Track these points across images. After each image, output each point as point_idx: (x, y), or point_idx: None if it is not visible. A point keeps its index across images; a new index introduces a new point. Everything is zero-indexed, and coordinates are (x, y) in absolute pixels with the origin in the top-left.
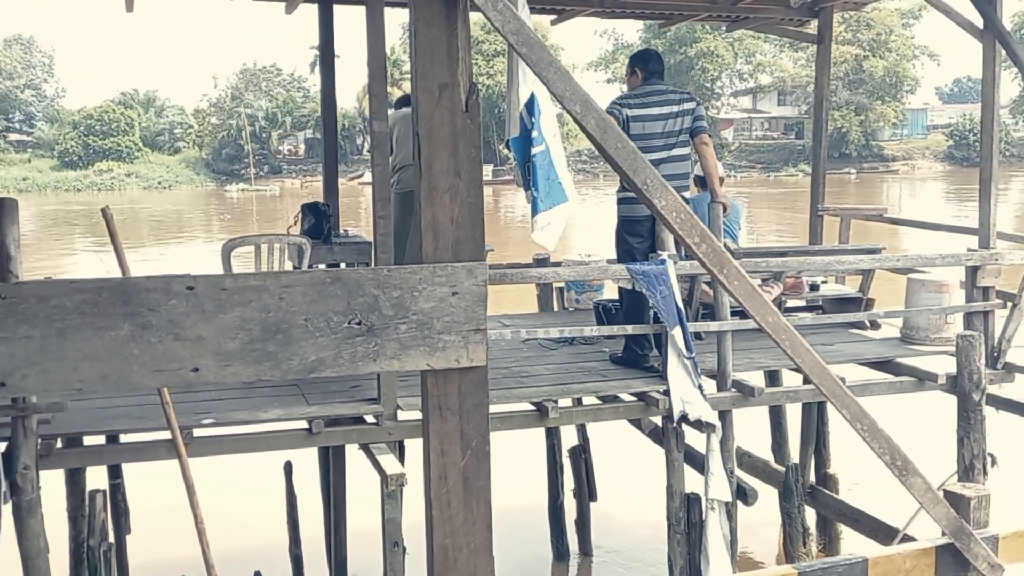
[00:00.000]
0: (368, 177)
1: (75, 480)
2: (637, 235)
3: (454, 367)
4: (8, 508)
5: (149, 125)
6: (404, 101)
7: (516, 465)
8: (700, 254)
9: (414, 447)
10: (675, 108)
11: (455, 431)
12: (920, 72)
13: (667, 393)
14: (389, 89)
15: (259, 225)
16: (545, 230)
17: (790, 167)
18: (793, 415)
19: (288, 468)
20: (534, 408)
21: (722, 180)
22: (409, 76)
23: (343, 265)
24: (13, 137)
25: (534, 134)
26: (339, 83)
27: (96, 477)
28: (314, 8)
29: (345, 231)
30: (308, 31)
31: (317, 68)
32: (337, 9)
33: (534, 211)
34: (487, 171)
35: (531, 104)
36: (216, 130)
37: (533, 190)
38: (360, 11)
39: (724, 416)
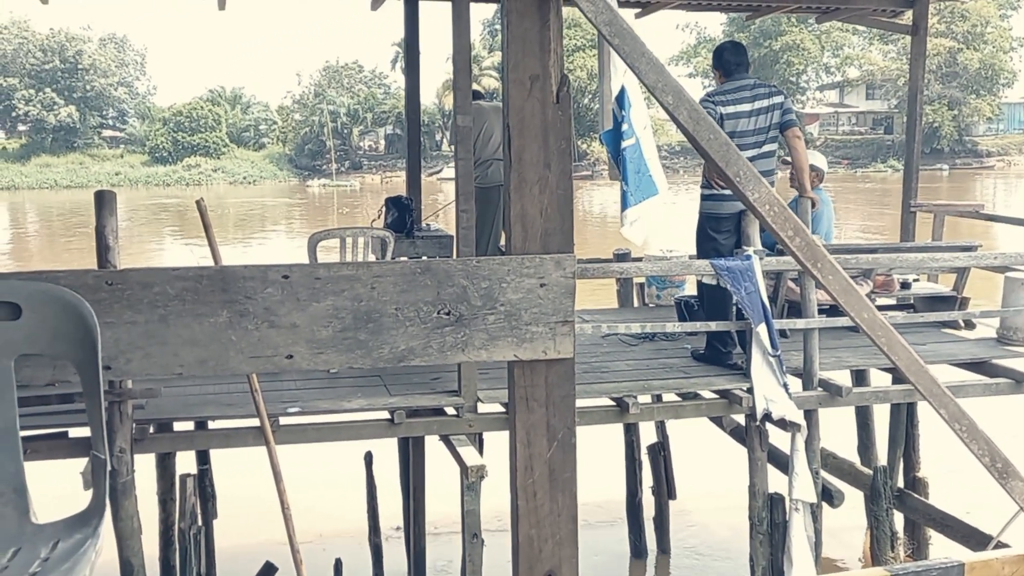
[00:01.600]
0: (446, 173)
1: (165, 465)
2: (722, 231)
3: (541, 358)
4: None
5: (235, 121)
6: (476, 95)
7: (594, 461)
8: (794, 248)
9: (492, 439)
10: (765, 103)
11: (541, 422)
12: (1018, 64)
13: (751, 391)
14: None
15: (339, 220)
16: (635, 225)
17: (878, 163)
18: (880, 416)
19: (368, 458)
20: (614, 403)
21: (821, 175)
22: (488, 72)
23: (425, 259)
24: (107, 133)
25: (624, 127)
26: (420, 79)
27: (184, 463)
28: (399, 4)
29: (427, 225)
30: (390, 28)
31: (398, 65)
32: (422, 5)
33: (624, 205)
34: None
35: (621, 97)
36: (299, 126)
37: (623, 183)
38: (442, 7)
39: (809, 416)
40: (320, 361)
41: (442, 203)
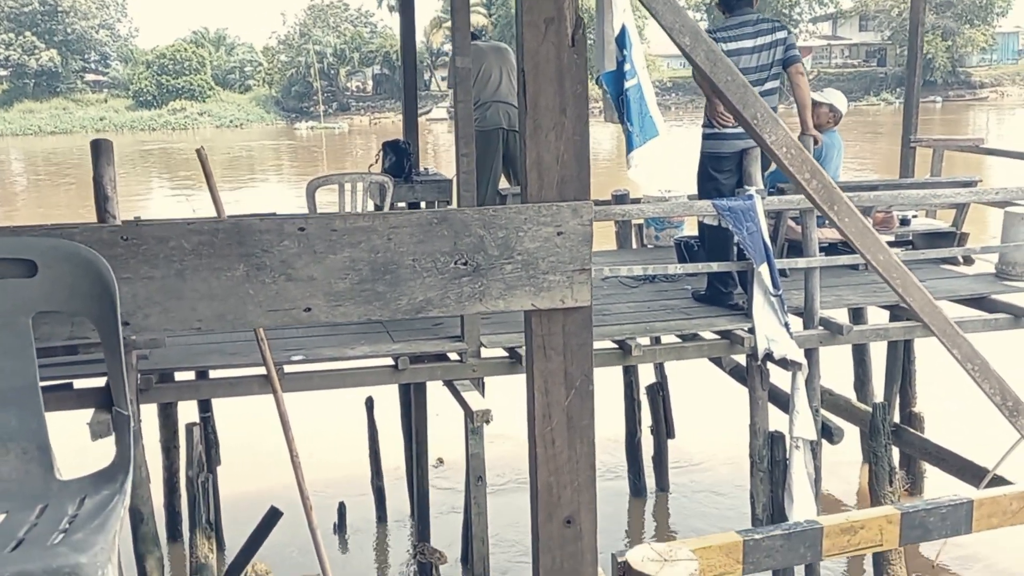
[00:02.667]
0: (436, 113)
1: (168, 413)
2: (724, 171)
3: (559, 307)
4: (110, 440)
5: (220, 64)
6: (472, 35)
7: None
8: (810, 190)
9: (493, 384)
10: (768, 39)
11: (559, 370)
12: None
13: (752, 331)
14: None
15: (329, 163)
16: (640, 167)
17: (872, 96)
18: (877, 352)
19: (369, 403)
20: (616, 346)
21: (839, 117)
22: (475, 8)
23: (423, 204)
24: (90, 78)
25: (627, 67)
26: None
27: (185, 411)
28: None
29: (425, 169)
30: None
31: (384, 3)
32: None
33: (629, 147)
34: None
35: (622, 37)
36: (285, 68)
37: (628, 124)
38: None
39: (810, 354)
40: (338, 313)
41: (432, 144)
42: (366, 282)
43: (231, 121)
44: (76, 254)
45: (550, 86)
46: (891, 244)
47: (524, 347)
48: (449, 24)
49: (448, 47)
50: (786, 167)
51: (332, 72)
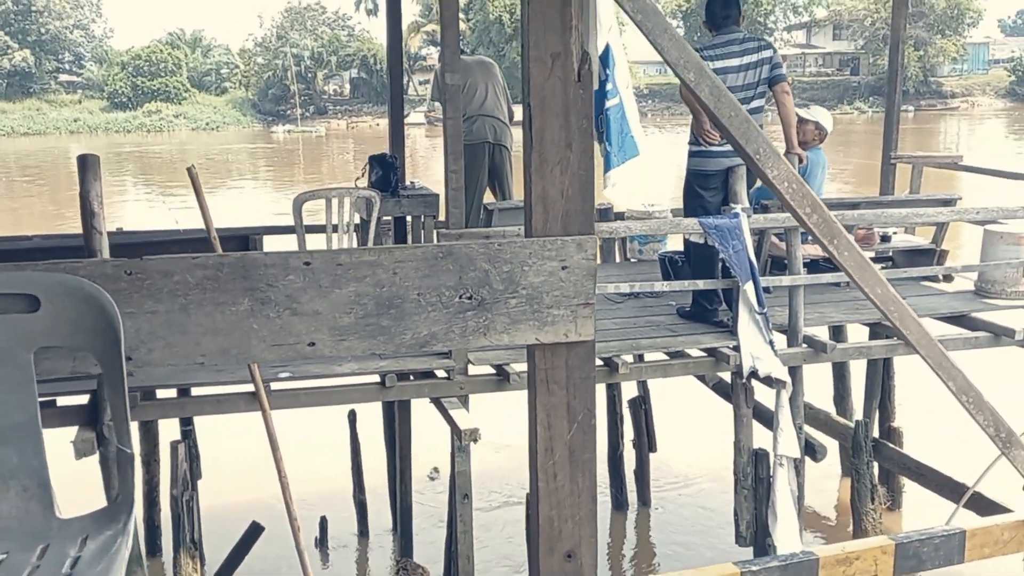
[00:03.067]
0: (413, 118)
1: (148, 427)
2: (710, 188)
3: (562, 341)
4: (95, 458)
5: (196, 66)
6: None
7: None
8: (811, 224)
9: (477, 401)
10: (754, 57)
11: (562, 404)
12: (982, 3)
13: (737, 348)
14: (435, 27)
15: (305, 167)
16: (617, 187)
17: (845, 104)
18: (856, 366)
19: (352, 416)
20: (603, 363)
21: (824, 135)
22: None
23: (409, 218)
24: (64, 78)
25: (608, 87)
26: (384, 21)
27: (167, 424)
28: None
29: (412, 183)
30: None
31: (363, 6)
32: None
33: (607, 166)
34: None
35: (606, 56)
36: (262, 70)
37: (606, 144)
38: None
39: (794, 372)
40: (342, 348)
41: (410, 149)
42: (371, 316)
43: (207, 124)
44: (79, 289)
45: (556, 120)
46: (872, 261)
47: (527, 376)
48: (427, 28)
49: (425, 51)
50: (788, 202)
51: (309, 75)
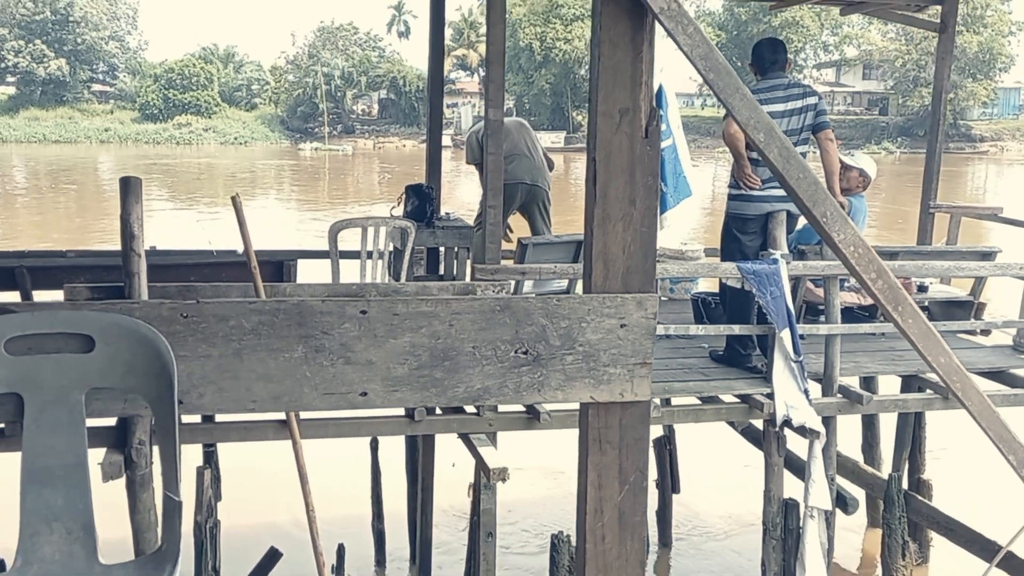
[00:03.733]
0: (442, 141)
1: None
2: (748, 232)
3: (617, 400)
4: (122, 482)
5: (227, 80)
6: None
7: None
8: (876, 290)
9: (505, 438)
10: (799, 103)
11: (613, 464)
12: (1016, 49)
13: (771, 396)
14: (464, 52)
15: (330, 186)
16: (673, 226)
17: (872, 144)
18: (886, 415)
19: (374, 444)
20: None
21: (868, 182)
22: (484, 38)
23: (443, 249)
24: (97, 88)
25: (663, 127)
26: (415, 43)
27: (189, 449)
28: None
29: (447, 214)
30: None
31: (394, 28)
32: None
33: (663, 207)
34: (559, 138)
35: (659, 96)
36: (292, 87)
37: (662, 184)
38: None
39: (827, 422)
40: (394, 399)
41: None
42: (424, 368)
43: (235, 138)
44: (135, 331)
45: (621, 176)
46: None
47: (578, 435)
48: (457, 53)
49: (455, 75)
50: (853, 267)
51: (338, 94)
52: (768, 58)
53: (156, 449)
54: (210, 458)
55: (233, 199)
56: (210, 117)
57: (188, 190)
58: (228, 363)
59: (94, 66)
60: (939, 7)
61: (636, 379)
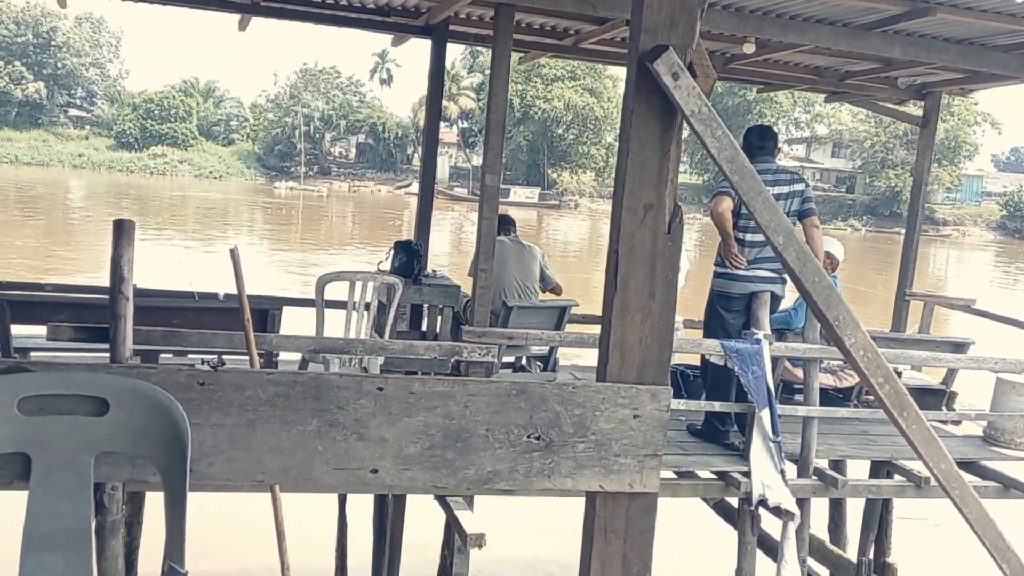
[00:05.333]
0: (416, 188)
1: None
2: (732, 311)
3: (626, 491)
4: (92, 527)
5: (206, 115)
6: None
7: (566, 517)
8: (882, 395)
9: (480, 502)
10: (786, 189)
11: (617, 555)
12: (979, 138)
13: (748, 475)
14: (444, 103)
15: (303, 225)
16: None
17: (839, 221)
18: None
19: (342, 498)
20: None
21: (836, 264)
22: (465, 91)
23: (427, 307)
24: (73, 113)
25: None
26: (397, 91)
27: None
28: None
29: (434, 271)
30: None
31: (377, 75)
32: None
33: None
34: (534, 194)
35: None
36: (271, 126)
37: None
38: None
39: (801, 504)
40: (405, 478)
41: (408, 219)
42: (437, 448)
43: (211, 172)
44: (151, 396)
45: (641, 269)
46: None
47: (583, 523)
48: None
49: None
50: (862, 370)
51: (317, 136)
52: (756, 143)
53: (127, 496)
54: None
55: (231, 252)
56: (186, 149)
57: (159, 219)
58: (241, 433)
59: (72, 91)
60: (922, 102)
61: (646, 470)
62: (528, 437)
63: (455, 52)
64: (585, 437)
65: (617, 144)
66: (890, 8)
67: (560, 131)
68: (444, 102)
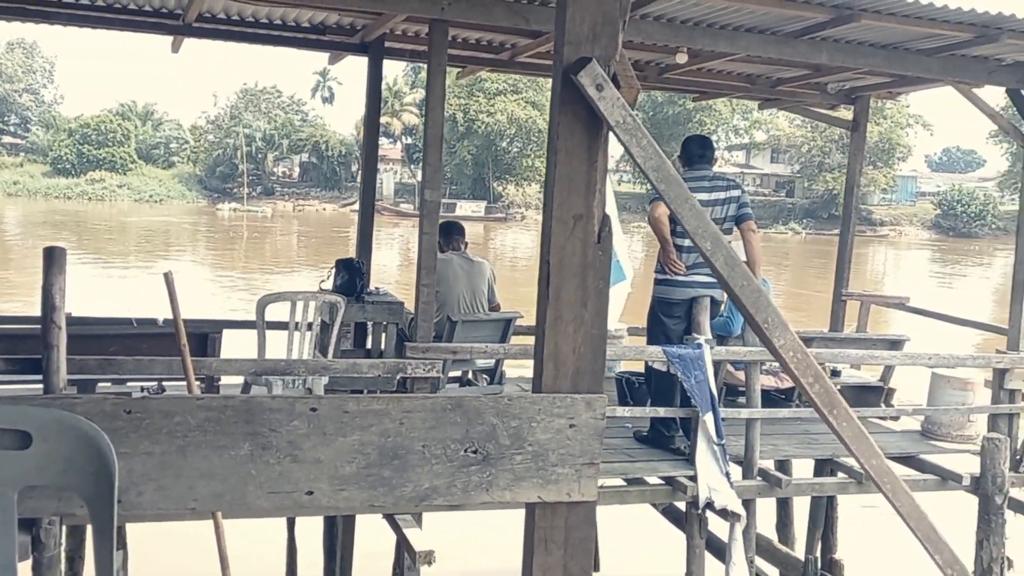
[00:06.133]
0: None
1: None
2: (673, 316)
3: (564, 500)
4: (28, 563)
5: (145, 138)
6: (449, 229)
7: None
8: (812, 394)
9: (430, 518)
10: (723, 195)
11: (558, 565)
12: (912, 140)
13: (694, 479)
14: (388, 120)
15: (247, 246)
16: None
17: (780, 224)
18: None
19: (290, 519)
20: None
21: None
22: (408, 107)
23: (371, 325)
24: (7, 140)
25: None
26: (339, 109)
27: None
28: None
29: (376, 289)
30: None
31: (318, 94)
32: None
33: None
34: (480, 208)
35: None
36: (212, 147)
37: None
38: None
39: (747, 505)
40: (341, 499)
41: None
42: (373, 466)
43: (151, 196)
44: (76, 427)
45: (573, 280)
46: None
47: (524, 534)
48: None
49: (380, 140)
50: (792, 371)
51: (259, 156)
52: (696, 152)
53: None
54: (118, 536)
55: (166, 276)
56: (125, 174)
57: (101, 247)
58: (171, 460)
59: (5, 118)
60: (852, 106)
61: (583, 479)
62: (465, 451)
63: (397, 68)
64: (522, 449)
65: None
66: (816, 15)
67: (504, 144)
68: (388, 118)
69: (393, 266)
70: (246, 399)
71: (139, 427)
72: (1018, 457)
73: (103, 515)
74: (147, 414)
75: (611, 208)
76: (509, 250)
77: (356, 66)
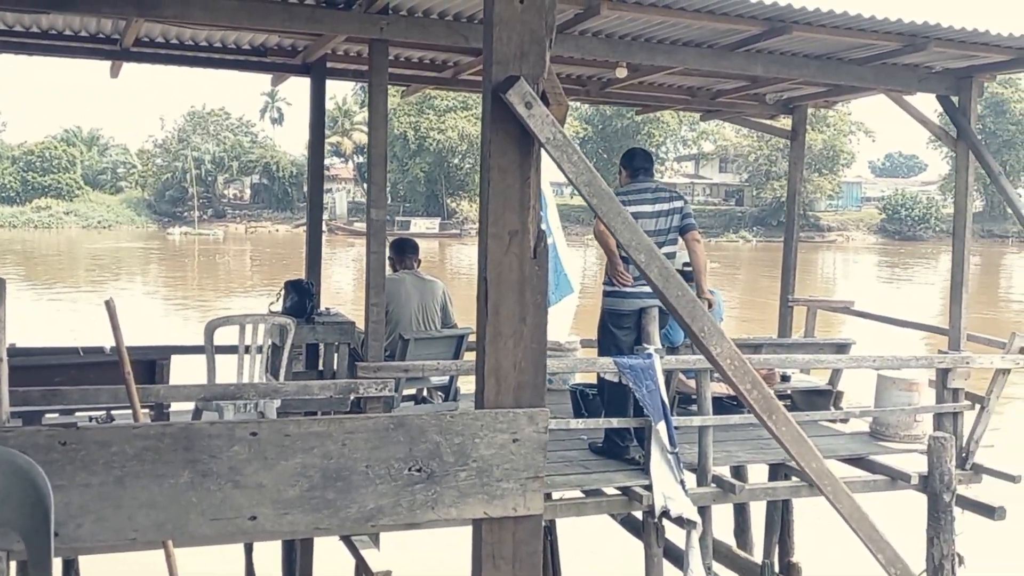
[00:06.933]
0: None
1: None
2: (623, 327)
3: (510, 515)
4: None
5: (92, 164)
6: (402, 247)
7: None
8: (751, 400)
9: (388, 537)
10: (666, 206)
11: None
12: (855, 147)
13: (650, 488)
14: (339, 139)
15: (199, 270)
16: (553, 323)
17: (731, 233)
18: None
19: (248, 546)
20: None
21: None
22: (359, 126)
23: (322, 346)
24: None
25: (543, 227)
26: (288, 129)
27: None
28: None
29: (327, 309)
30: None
31: (267, 115)
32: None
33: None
34: (434, 224)
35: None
36: (160, 171)
37: None
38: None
39: (703, 512)
40: (285, 523)
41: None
42: (316, 489)
43: (99, 222)
44: (9, 461)
45: (511, 295)
46: None
47: (472, 551)
48: (330, 140)
49: (328, 161)
50: (730, 378)
51: (209, 179)
52: (639, 165)
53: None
54: (70, 568)
55: (107, 303)
56: (72, 200)
57: (47, 276)
58: (109, 491)
59: None
60: (790, 116)
61: (529, 493)
62: (409, 470)
63: (346, 88)
64: (466, 465)
65: None
66: (750, 28)
67: (456, 161)
68: (338, 138)
69: (348, 286)
70: (185, 426)
71: (75, 459)
72: (964, 454)
73: (40, 550)
74: (83, 445)
75: (555, 221)
76: (465, 267)
77: (304, 87)
